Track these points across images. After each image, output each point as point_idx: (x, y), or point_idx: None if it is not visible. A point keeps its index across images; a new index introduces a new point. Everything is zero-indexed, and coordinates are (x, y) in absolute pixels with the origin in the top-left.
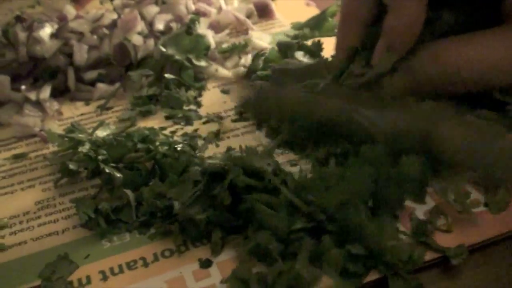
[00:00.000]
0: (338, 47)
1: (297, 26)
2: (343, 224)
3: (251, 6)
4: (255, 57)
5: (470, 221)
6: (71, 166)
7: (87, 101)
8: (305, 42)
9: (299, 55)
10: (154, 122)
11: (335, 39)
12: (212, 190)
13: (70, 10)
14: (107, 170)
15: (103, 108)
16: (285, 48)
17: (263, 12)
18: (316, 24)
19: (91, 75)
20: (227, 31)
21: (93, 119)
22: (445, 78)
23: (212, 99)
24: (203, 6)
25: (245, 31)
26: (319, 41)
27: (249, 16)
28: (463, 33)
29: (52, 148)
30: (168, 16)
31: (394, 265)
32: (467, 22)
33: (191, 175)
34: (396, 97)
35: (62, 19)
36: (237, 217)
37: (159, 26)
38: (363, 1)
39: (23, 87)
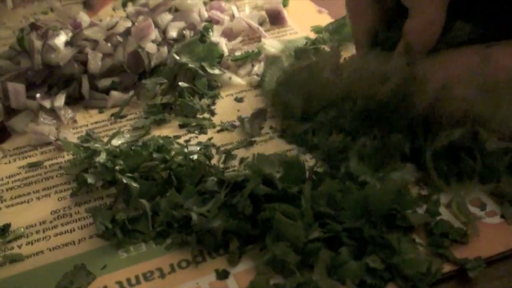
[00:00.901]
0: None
1: (317, 30)
2: (360, 235)
3: (263, 13)
4: (271, 62)
5: (474, 233)
6: (89, 180)
7: (101, 109)
8: (323, 46)
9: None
10: (168, 130)
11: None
12: (230, 199)
13: (84, 17)
14: (124, 181)
15: (117, 116)
16: (301, 55)
17: (275, 19)
18: (336, 29)
19: (105, 82)
20: (239, 38)
21: (107, 127)
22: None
23: (226, 108)
24: (216, 14)
25: (258, 39)
26: (337, 46)
27: (261, 23)
28: (481, 42)
29: (67, 156)
30: (181, 24)
31: (413, 278)
32: (485, 32)
33: (208, 185)
34: None
35: (76, 27)
36: (254, 226)
37: (172, 33)
38: (367, 5)
39: (38, 95)
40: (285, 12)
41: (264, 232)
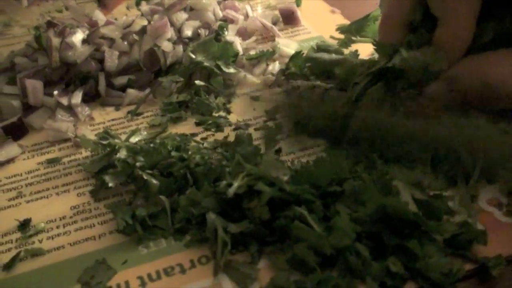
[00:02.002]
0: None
1: (342, 29)
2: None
3: (276, 12)
4: (293, 57)
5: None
6: (110, 184)
7: (117, 107)
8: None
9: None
10: (185, 128)
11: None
12: (247, 202)
13: (100, 16)
14: (144, 177)
15: (134, 114)
16: (323, 50)
17: (289, 19)
18: (359, 28)
19: (121, 80)
20: (254, 37)
21: (124, 124)
22: (489, 91)
23: (241, 106)
24: (230, 13)
25: (272, 38)
26: (356, 50)
27: (274, 23)
28: (506, 46)
29: (84, 153)
30: (196, 23)
31: (435, 279)
32: (508, 30)
33: (222, 188)
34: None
35: (93, 25)
36: (271, 231)
37: (188, 32)
38: (404, 3)
39: (55, 92)
40: (299, 12)
41: (282, 237)
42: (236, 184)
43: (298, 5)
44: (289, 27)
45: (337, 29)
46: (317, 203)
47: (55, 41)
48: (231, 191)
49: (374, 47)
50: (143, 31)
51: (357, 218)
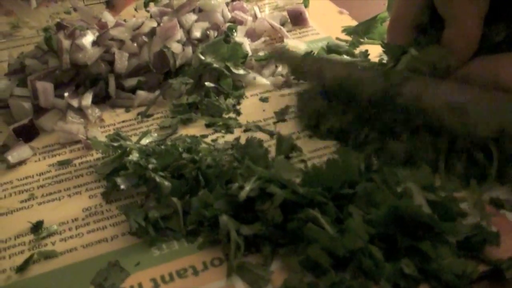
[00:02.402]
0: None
1: (349, 31)
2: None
3: (284, 13)
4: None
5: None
6: (122, 186)
7: (128, 108)
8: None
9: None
10: (195, 129)
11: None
12: (260, 205)
13: (109, 18)
14: (157, 179)
15: (144, 115)
16: (333, 50)
17: (297, 20)
18: (366, 29)
19: (131, 82)
20: (262, 39)
21: (134, 126)
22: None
23: (251, 107)
24: (239, 14)
25: (280, 39)
26: (366, 50)
27: (283, 24)
28: None
29: (95, 154)
30: (205, 24)
31: (448, 281)
32: None
33: (234, 191)
34: None
35: (102, 27)
36: (284, 233)
37: (197, 34)
38: (412, 5)
39: (66, 94)
40: (307, 13)
41: (295, 239)
42: (248, 187)
43: (306, 6)
44: (297, 28)
45: (343, 31)
46: (329, 205)
47: (65, 43)
48: (243, 194)
49: (383, 48)
50: (152, 32)
51: (370, 220)
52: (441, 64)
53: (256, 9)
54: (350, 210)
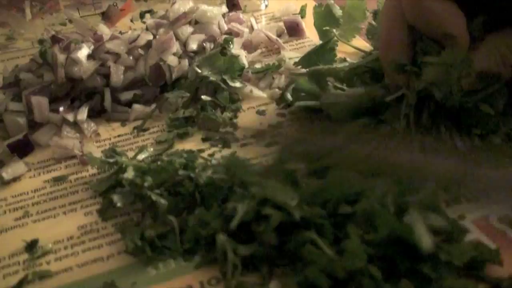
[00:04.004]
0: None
1: (305, 59)
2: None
3: (281, 24)
4: (286, 87)
5: None
6: (118, 203)
7: (123, 122)
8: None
9: (332, 82)
10: (192, 144)
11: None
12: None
13: (105, 30)
14: (153, 197)
15: (140, 130)
16: (317, 76)
17: (294, 31)
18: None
19: (127, 96)
20: (259, 50)
21: (130, 140)
22: None
23: (248, 121)
24: (235, 26)
25: (277, 50)
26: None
27: (279, 35)
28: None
29: (91, 170)
30: (201, 36)
31: None
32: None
33: (229, 209)
34: None
35: (98, 40)
36: (282, 253)
37: (193, 46)
38: (402, 25)
39: (61, 108)
40: (303, 24)
41: (291, 259)
42: (240, 212)
43: (302, 16)
44: (294, 39)
45: (294, 63)
46: (327, 225)
47: (61, 57)
48: (234, 222)
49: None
50: (148, 45)
51: (368, 241)
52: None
53: (253, 20)
54: (349, 230)
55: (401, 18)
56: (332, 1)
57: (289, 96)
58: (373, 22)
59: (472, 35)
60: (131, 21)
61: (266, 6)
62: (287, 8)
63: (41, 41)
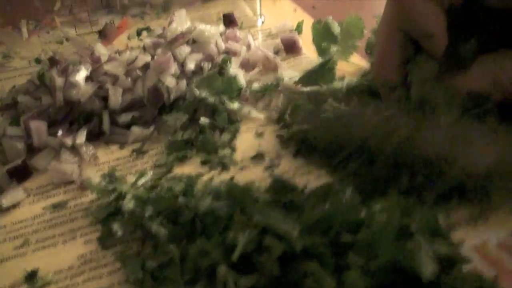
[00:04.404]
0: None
1: (304, 78)
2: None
3: (278, 41)
4: (285, 108)
5: None
6: (119, 232)
7: (122, 144)
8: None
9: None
10: (191, 167)
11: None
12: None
13: (102, 50)
14: (153, 228)
15: (139, 152)
16: (315, 97)
17: (291, 49)
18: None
19: (125, 118)
20: (257, 69)
21: (129, 163)
22: None
23: (247, 143)
24: (232, 45)
25: (274, 67)
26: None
27: (276, 52)
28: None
29: (90, 195)
30: (199, 56)
31: None
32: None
33: (231, 240)
34: None
35: (96, 61)
36: (283, 284)
37: (191, 66)
38: (395, 42)
39: (59, 132)
40: (301, 41)
41: None
42: (241, 243)
43: (299, 32)
44: (291, 56)
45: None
46: (328, 254)
47: (59, 80)
48: (236, 253)
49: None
50: (146, 66)
51: (369, 270)
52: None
53: (250, 38)
54: (349, 260)
55: (395, 37)
56: (331, 18)
57: (287, 117)
58: (373, 37)
59: (465, 57)
60: (128, 38)
61: (263, 22)
62: (284, 25)
63: (38, 60)
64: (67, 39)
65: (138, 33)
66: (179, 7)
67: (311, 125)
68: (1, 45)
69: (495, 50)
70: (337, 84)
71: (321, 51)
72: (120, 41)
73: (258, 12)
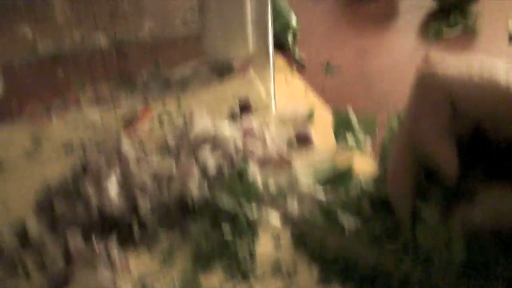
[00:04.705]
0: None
1: (322, 182)
2: None
3: (291, 130)
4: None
5: None
6: None
7: (150, 250)
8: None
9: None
10: (215, 279)
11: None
12: None
13: (130, 152)
14: None
15: (168, 261)
16: (328, 213)
17: (303, 141)
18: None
19: (152, 225)
20: (271, 165)
21: (157, 274)
22: None
23: (265, 250)
24: (250, 141)
25: (288, 165)
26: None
27: (289, 144)
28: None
29: None
30: (219, 158)
31: None
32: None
33: None
34: None
35: (123, 162)
36: None
37: (212, 170)
38: (405, 162)
39: (94, 242)
40: (313, 134)
41: None
42: None
43: (311, 121)
44: (303, 147)
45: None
46: None
47: (93, 193)
48: None
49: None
50: (171, 172)
51: None
52: None
53: (266, 134)
54: None
55: (407, 166)
56: (350, 109)
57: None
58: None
59: (469, 187)
60: (150, 129)
61: (275, 104)
62: (296, 111)
63: (70, 149)
64: (93, 126)
65: (160, 122)
66: (198, 84)
67: (324, 247)
68: (30, 130)
69: (499, 180)
70: (352, 193)
71: (339, 140)
72: (142, 128)
73: (272, 94)
